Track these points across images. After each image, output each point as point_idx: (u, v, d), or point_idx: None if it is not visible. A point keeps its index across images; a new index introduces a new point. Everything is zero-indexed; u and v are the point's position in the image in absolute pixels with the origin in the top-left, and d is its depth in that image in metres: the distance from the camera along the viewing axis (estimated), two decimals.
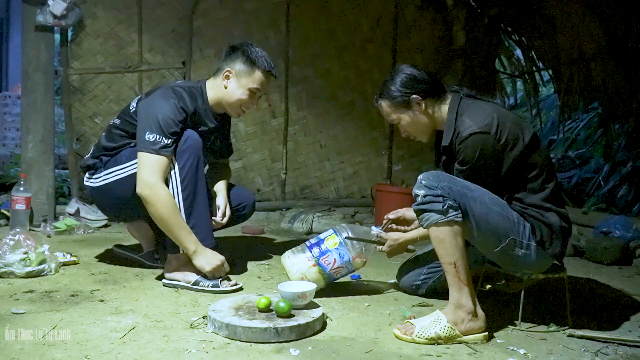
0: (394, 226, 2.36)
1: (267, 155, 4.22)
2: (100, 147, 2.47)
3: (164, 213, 2.19)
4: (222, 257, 2.30)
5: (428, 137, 2.14)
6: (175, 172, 2.25)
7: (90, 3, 3.83)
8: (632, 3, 3.73)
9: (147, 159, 2.20)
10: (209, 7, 4.04)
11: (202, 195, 2.30)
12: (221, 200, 2.59)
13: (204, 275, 2.29)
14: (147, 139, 2.20)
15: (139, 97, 2.46)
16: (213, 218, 2.53)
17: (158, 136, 2.20)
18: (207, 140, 2.47)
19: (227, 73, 2.41)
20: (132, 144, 2.35)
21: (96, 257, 2.77)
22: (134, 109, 2.38)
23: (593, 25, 4.04)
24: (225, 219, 2.57)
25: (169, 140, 2.22)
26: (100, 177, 2.40)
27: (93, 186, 2.44)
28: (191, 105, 2.36)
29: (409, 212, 2.33)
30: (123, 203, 2.36)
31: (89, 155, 2.53)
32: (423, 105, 2.05)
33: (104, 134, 2.50)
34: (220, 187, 2.63)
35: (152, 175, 2.18)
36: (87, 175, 2.48)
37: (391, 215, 2.36)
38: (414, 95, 2.04)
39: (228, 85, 2.42)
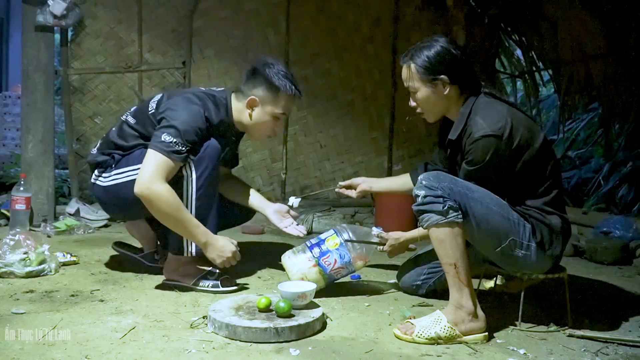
0: (344, 191, 2.52)
1: (267, 155, 4.22)
2: (110, 143, 2.38)
3: (168, 211, 2.12)
4: (233, 247, 2.25)
5: (435, 119, 2.10)
6: (192, 180, 2.19)
7: (90, 3, 3.84)
8: (632, 3, 3.73)
9: (154, 158, 2.12)
10: (209, 7, 4.04)
11: (214, 206, 2.28)
12: (284, 209, 2.58)
13: (204, 276, 2.29)
14: (162, 139, 2.13)
15: (157, 97, 2.37)
16: (299, 231, 2.54)
17: (174, 140, 2.13)
18: (223, 151, 2.42)
19: (251, 101, 2.35)
20: (147, 145, 2.24)
21: (96, 257, 2.77)
22: (152, 111, 2.30)
23: (593, 25, 4.04)
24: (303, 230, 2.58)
25: (184, 148, 2.14)
26: (110, 176, 2.32)
27: (102, 185, 2.36)
28: (216, 117, 2.31)
29: (357, 180, 2.52)
30: (130, 204, 2.26)
31: (96, 150, 2.45)
32: (447, 89, 1.98)
33: (114, 129, 2.41)
34: (263, 203, 2.63)
35: (153, 175, 2.10)
36: (95, 172, 2.40)
37: (342, 183, 2.54)
38: (443, 76, 1.97)
39: (253, 114, 2.36)
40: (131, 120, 2.37)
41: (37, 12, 3.53)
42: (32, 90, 3.63)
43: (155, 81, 4.01)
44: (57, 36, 3.87)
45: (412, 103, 2.08)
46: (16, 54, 7.88)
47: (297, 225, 2.58)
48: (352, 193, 2.52)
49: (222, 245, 2.24)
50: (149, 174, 2.11)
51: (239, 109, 2.39)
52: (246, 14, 4.11)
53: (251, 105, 2.36)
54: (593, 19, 4.01)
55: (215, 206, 2.29)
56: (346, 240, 2.23)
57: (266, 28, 4.16)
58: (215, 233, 2.28)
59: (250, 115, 2.37)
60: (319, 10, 4.22)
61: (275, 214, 2.59)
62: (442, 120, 2.13)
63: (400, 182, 2.50)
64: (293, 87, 2.34)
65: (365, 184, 2.50)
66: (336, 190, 2.56)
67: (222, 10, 4.07)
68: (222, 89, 2.48)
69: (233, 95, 2.42)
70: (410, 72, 2.02)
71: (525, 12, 4.46)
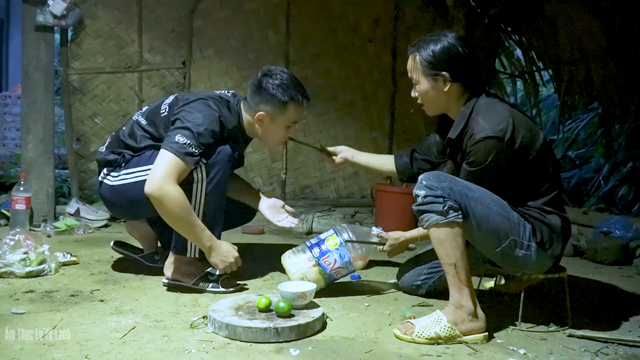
0: (325, 156, 2.61)
1: (267, 155, 4.22)
2: (120, 142, 2.37)
3: (177, 213, 2.11)
4: (235, 253, 2.26)
5: (435, 114, 2.09)
6: (202, 185, 2.19)
7: (90, 3, 3.84)
8: (632, 3, 3.73)
9: (167, 159, 2.11)
10: (209, 7, 4.04)
11: (221, 211, 2.28)
12: (279, 204, 2.62)
13: (205, 276, 2.29)
14: (176, 140, 2.12)
15: (169, 100, 2.36)
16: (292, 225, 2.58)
17: (188, 141, 2.12)
18: (234, 157, 2.44)
19: (260, 117, 2.33)
20: (158, 146, 2.23)
21: (96, 257, 2.77)
22: (165, 113, 2.30)
23: (593, 25, 4.04)
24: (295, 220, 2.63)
25: (197, 150, 2.13)
26: (119, 175, 2.31)
27: (109, 184, 2.35)
28: (230, 123, 2.31)
29: (340, 147, 2.60)
30: (137, 204, 2.27)
31: (105, 148, 2.43)
32: (448, 86, 1.97)
33: (124, 128, 2.41)
34: (259, 199, 2.64)
35: (165, 175, 2.08)
36: (104, 171, 2.38)
37: (328, 148, 2.61)
38: (445, 72, 1.95)
39: (264, 129, 2.36)
40: (143, 121, 2.37)
41: (37, 12, 3.53)
42: (32, 90, 3.63)
43: (155, 81, 4.01)
44: (57, 36, 3.87)
45: (414, 94, 2.07)
46: (16, 54, 7.89)
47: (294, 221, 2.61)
48: (337, 159, 2.60)
49: (226, 251, 2.25)
50: (161, 175, 2.09)
51: (249, 120, 2.39)
52: (246, 14, 4.11)
53: (260, 120, 2.35)
54: (593, 19, 4.01)
55: (222, 211, 2.29)
56: (346, 241, 2.23)
57: (266, 28, 4.16)
58: (219, 237, 2.29)
59: (261, 129, 2.37)
60: (319, 10, 4.22)
61: (269, 208, 2.60)
62: (439, 119, 2.13)
63: (382, 161, 2.56)
64: (299, 96, 2.33)
65: (348, 152, 2.58)
66: (319, 149, 2.65)
67: (222, 10, 4.07)
68: (234, 93, 2.47)
69: (242, 104, 2.41)
70: (414, 64, 2.01)
71: (525, 12, 4.46)
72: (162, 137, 2.24)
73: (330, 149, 2.61)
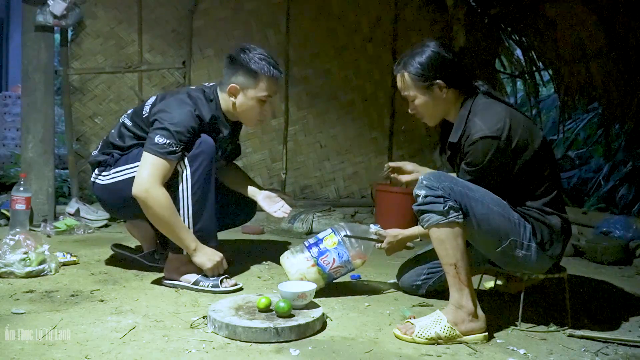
0: (396, 175, 2.36)
1: (267, 155, 4.22)
2: (109, 144, 2.44)
3: (162, 215, 2.18)
4: (220, 254, 2.30)
5: (436, 123, 2.09)
6: (187, 176, 2.23)
7: (90, 3, 3.84)
8: (632, 3, 3.73)
9: (151, 160, 2.17)
10: (209, 7, 4.05)
11: (211, 201, 2.30)
12: (272, 193, 2.61)
13: (204, 275, 2.29)
14: (156, 141, 2.17)
15: (152, 100, 2.41)
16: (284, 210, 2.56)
17: (168, 141, 2.17)
18: (221, 147, 2.47)
19: (232, 89, 2.36)
20: (143, 144, 2.29)
21: (96, 257, 2.77)
22: (146, 114, 2.34)
23: (593, 25, 4.04)
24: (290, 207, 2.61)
25: (178, 147, 2.19)
26: (110, 175, 2.37)
27: (101, 183, 2.40)
28: (207, 113, 2.34)
29: (408, 165, 2.37)
30: (129, 202, 2.28)
31: (97, 151, 2.50)
32: (444, 93, 1.98)
33: (113, 131, 2.47)
34: (255, 189, 2.64)
35: (150, 178, 2.15)
36: (96, 171, 2.45)
37: (392, 164, 2.39)
38: (439, 80, 1.96)
39: (237, 102, 2.38)
40: (128, 122, 2.42)
41: (37, 12, 3.53)
42: (32, 90, 3.63)
43: (155, 81, 4.01)
44: (57, 36, 3.87)
45: (411, 111, 2.08)
46: (16, 54, 7.88)
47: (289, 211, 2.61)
48: (404, 177, 2.36)
49: (212, 251, 2.29)
50: (146, 177, 2.16)
51: (225, 99, 2.41)
52: (246, 14, 4.11)
53: (232, 93, 2.37)
54: (593, 18, 4.01)
55: (212, 201, 2.31)
56: (344, 236, 2.23)
57: (266, 28, 4.16)
58: (216, 230, 2.33)
59: (234, 103, 2.39)
60: (319, 10, 4.22)
61: (265, 199, 2.61)
62: (441, 126, 2.13)
63: None
64: (271, 68, 2.34)
65: (418, 173, 2.31)
66: (386, 171, 2.41)
67: (222, 10, 4.07)
68: (211, 83, 2.50)
69: (219, 88, 2.44)
70: (404, 81, 2.02)
71: (525, 12, 4.45)
72: (144, 137, 2.29)
73: (395, 164, 2.39)
